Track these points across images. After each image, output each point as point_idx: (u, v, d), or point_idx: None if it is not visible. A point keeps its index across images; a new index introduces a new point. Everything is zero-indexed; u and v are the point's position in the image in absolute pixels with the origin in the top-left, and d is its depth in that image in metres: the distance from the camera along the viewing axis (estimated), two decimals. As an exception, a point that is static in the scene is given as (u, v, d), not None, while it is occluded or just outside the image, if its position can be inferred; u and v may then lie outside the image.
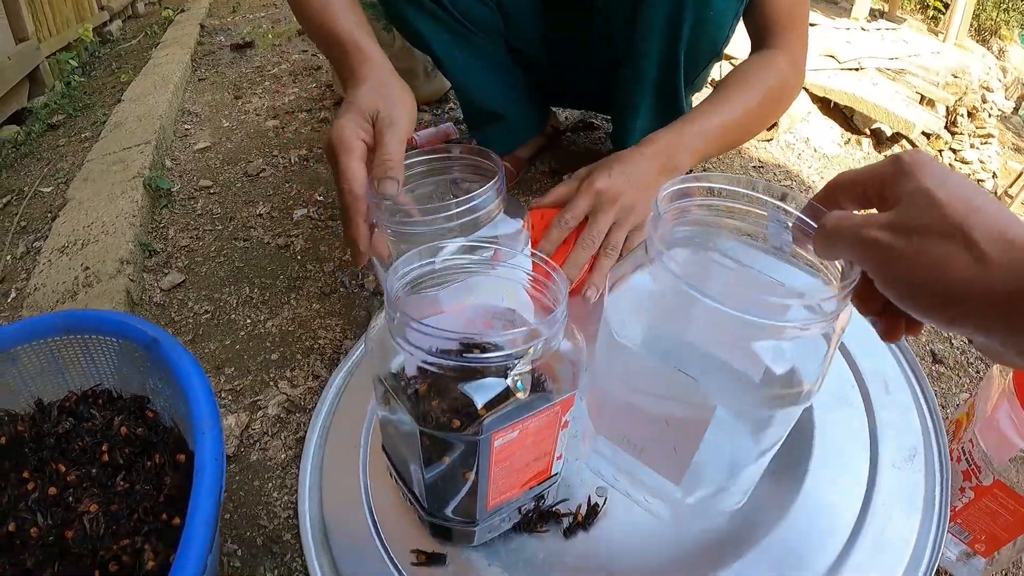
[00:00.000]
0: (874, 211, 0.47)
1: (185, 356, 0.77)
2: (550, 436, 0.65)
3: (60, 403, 0.87)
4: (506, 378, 0.57)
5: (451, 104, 1.94)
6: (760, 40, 1.14)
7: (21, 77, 2.45)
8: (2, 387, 0.87)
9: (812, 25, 2.15)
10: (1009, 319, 0.36)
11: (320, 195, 1.51)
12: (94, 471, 0.79)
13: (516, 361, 0.56)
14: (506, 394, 0.58)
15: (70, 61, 2.78)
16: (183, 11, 3.42)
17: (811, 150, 1.79)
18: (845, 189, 0.49)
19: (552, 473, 0.71)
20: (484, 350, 0.56)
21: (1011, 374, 0.69)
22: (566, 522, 0.73)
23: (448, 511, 0.68)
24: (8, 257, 1.53)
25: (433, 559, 0.71)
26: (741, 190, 0.58)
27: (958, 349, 1.14)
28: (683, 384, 0.56)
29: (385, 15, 1.27)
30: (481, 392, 0.57)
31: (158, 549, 0.72)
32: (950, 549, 0.75)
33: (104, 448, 0.81)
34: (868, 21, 2.78)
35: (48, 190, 1.78)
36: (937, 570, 0.72)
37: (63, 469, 0.79)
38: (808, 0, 1.15)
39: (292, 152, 1.71)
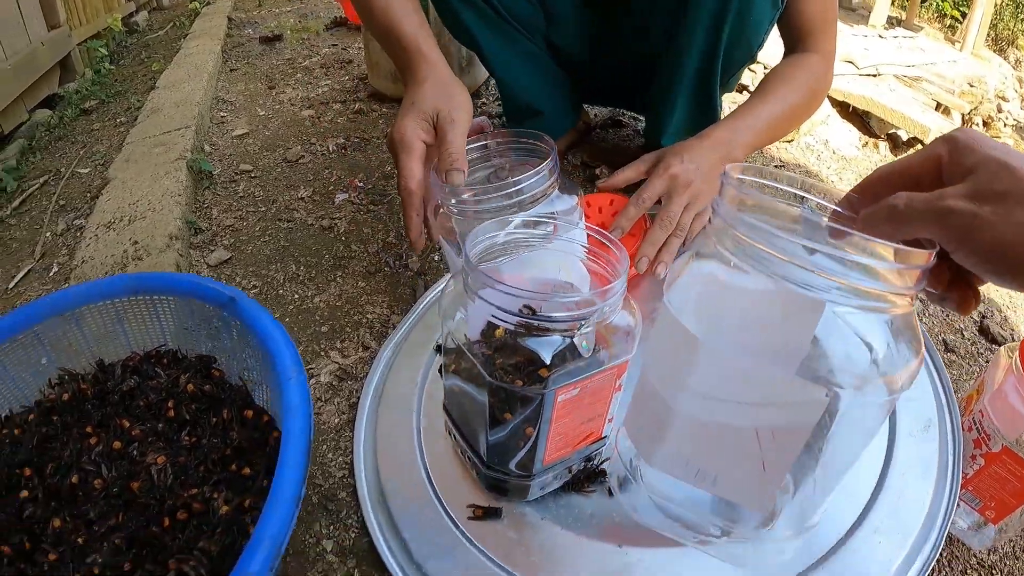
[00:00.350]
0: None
1: (263, 312, 0.81)
2: (605, 398, 0.69)
3: (123, 362, 0.90)
4: (572, 339, 0.63)
5: (483, 99, 1.98)
6: (794, 44, 1.21)
7: (53, 63, 2.48)
8: (65, 347, 0.91)
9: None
10: None
11: (360, 181, 1.54)
12: (160, 426, 0.82)
13: (582, 323, 0.60)
14: (571, 353, 0.63)
15: (100, 49, 2.82)
16: (209, 3, 3.46)
17: (830, 152, 1.82)
18: (888, 180, 0.50)
19: (603, 435, 0.75)
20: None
21: (1016, 353, 0.74)
22: (609, 482, 0.77)
23: (508, 465, 0.72)
24: (48, 234, 1.56)
25: (489, 513, 0.75)
26: (784, 187, 0.57)
27: (968, 340, 1.18)
28: (785, 381, 0.51)
29: (436, 10, 1.32)
30: (548, 349, 0.62)
31: (229, 497, 0.75)
32: (963, 519, 0.78)
33: (170, 404, 0.84)
34: (885, 29, 2.80)
35: (85, 171, 1.81)
36: (950, 539, 0.78)
37: (127, 425, 0.82)
38: (837, 7, 1.22)
39: (330, 140, 1.74)
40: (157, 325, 0.92)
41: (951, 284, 0.49)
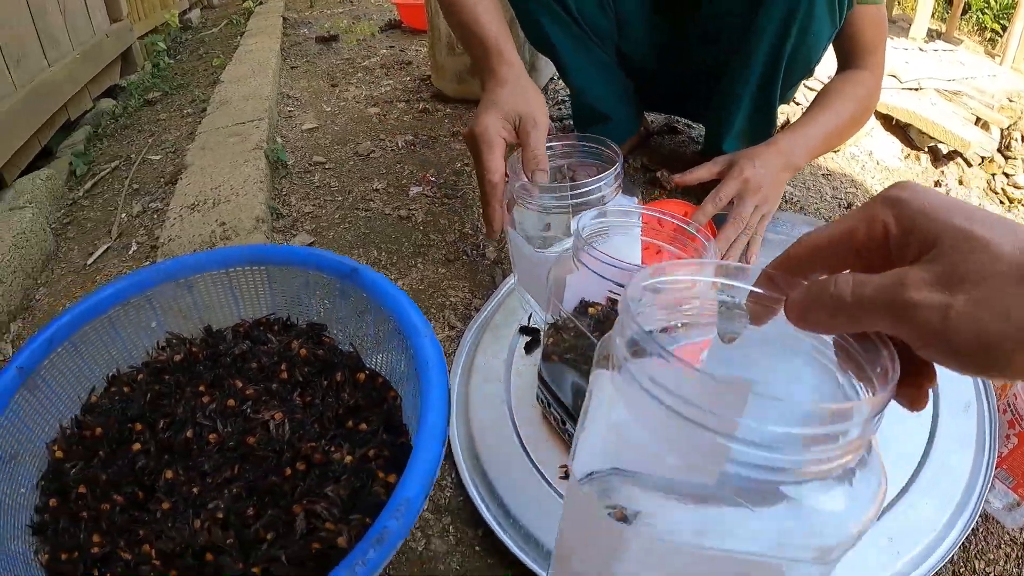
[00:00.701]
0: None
1: (386, 280, 0.84)
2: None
3: (233, 328, 0.94)
4: None
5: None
6: (847, 60, 1.29)
7: (116, 55, 2.53)
8: (175, 312, 0.94)
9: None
10: None
11: (432, 176, 1.58)
12: (273, 386, 0.85)
13: None
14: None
15: (159, 44, 2.88)
16: (262, 3, 3.53)
17: (874, 163, 1.85)
18: (820, 254, 0.40)
19: None
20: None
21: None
22: None
23: None
24: (123, 215, 1.60)
25: None
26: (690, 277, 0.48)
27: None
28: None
29: (518, 19, 1.38)
30: None
31: (351, 449, 0.77)
32: (998, 500, 0.83)
33: (282, 367, 0.87)
34: (925, 42, 2.81)
35: (157, 158, 1.86)
36: (986, 517, 0.83)
37: (239, 385, 0.85)
38: (886, 28, 1.29)
39: (398, 137, 1.78)
40: (268, 294, 0.95)
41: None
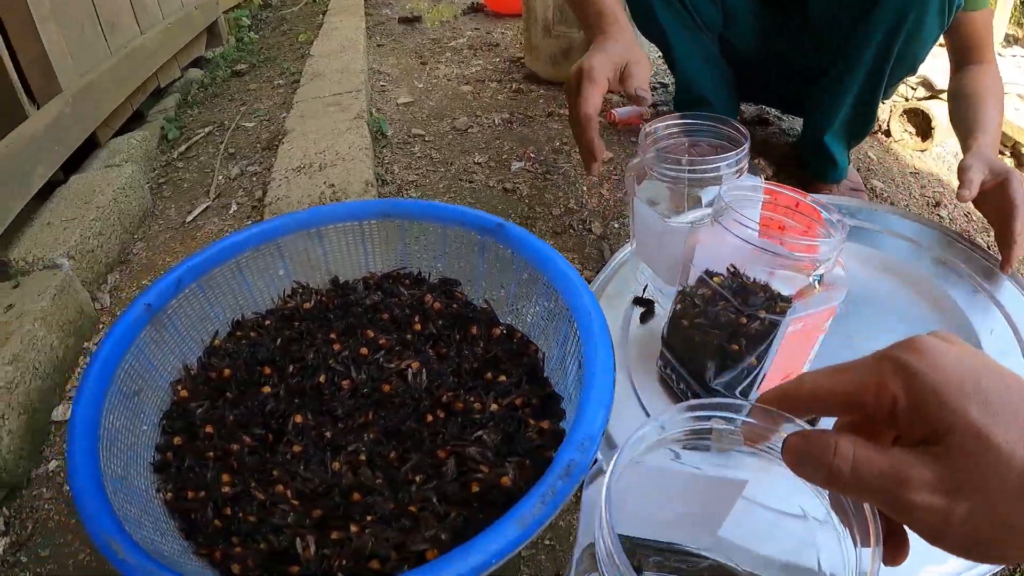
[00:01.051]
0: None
1: (531, 235, 0.82)
2: (812, 339, 0.75)
3: (364, 279, 0.92)
4: (809, 277, 0.69)
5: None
6: (962, 57, 1.27)
7: (204, 27, 2.56)
8: (303, 262, 0.92)
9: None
10: None
11: (533, 152, 1.56)
12: (408, 337, 0.83)
13: (818, 263, 0.68)
14: (805, 290, 0.69)
15: (244, 18, 2.90)
16: (339, -17, 3.54)
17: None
18: (821, 401, 0.37)
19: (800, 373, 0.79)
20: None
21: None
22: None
23: (725, 389, 0.77)
24: (220, 177, 1.61)
25: None
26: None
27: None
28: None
29: (630, 7, 1.38)
30: (787, 286, 0.69)
31: (495, 399, 0.75)
32: None
33: (416, 319, 0.85)
34: (1004, 47, 2.74)
35: (251, 124, 1.87)
36: None
37: (371, 335, 0.83)
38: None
39: (495, 114, 1.77)
40: (400, 249, 0.93)
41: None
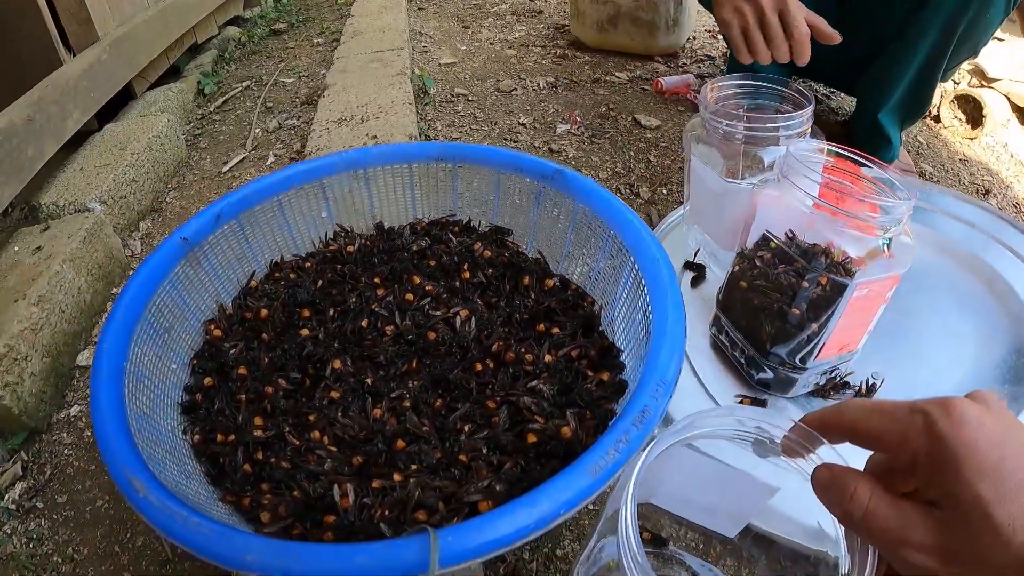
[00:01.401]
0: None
1: (592, 182, 0.77)
2: (873, 309, 0.72)
3: (411, 226, 0.87)
4: (878, 240, 0.67)
5: (683, 60, 1.93)
6: None
7: (243, -15, 2.52)
8: (348, 204, 0.88)
9: (999, 40, 2.08)
10: None
11: (579, 116, 1.51)
12: (456, 284, 0.78)
13: (887, 227, 0.66)
14: (873, 251, 0.67)
15: (282, -21, 2.86)
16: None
17: (1008, 155, 1.77)
18: (852, 435, 0.39)
19: (856, 347, 0.77)
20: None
21: None
22: (851, 392, 0.82)
23: (788, 357, 0.75)
24: (258, 130, 1.57)
25: (756, 403, 0.81)
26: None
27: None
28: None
29: None
30: (856, 245, 0.67)
31: (549, 349, 0.71)
32: None
33: (465, 267, 0.80)
34: None
35: (289, 80, 1.83)
36: None
37: (417, 281, 0.79)
38: None
39: (539, 78, 1.72)
40: (451, 195, 0.88)
41: None
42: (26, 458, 0.87)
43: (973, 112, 1.68)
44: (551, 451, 0.58)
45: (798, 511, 0.62)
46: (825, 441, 0.41)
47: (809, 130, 0.89)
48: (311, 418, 0.67)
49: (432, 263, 0.81)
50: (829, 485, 0.38)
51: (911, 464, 0.35)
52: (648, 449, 0.41)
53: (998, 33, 1.74)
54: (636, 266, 0.68)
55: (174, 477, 0.60)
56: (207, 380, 0.73)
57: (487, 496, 0.54)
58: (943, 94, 1.74)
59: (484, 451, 0.59)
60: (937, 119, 1.73)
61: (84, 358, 1.00)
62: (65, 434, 0.89)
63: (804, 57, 0.97)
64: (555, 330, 0.73)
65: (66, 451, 0.87)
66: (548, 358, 0.68)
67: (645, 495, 0.51)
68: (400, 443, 0.62)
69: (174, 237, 0.77)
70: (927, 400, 0.35)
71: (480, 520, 0.44)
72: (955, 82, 1.83)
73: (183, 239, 0.77)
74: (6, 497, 0.82)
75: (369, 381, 0.70)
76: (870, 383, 0.81)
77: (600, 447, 0.47)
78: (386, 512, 0.56)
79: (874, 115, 1.36)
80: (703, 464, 0.48)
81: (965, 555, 0.32)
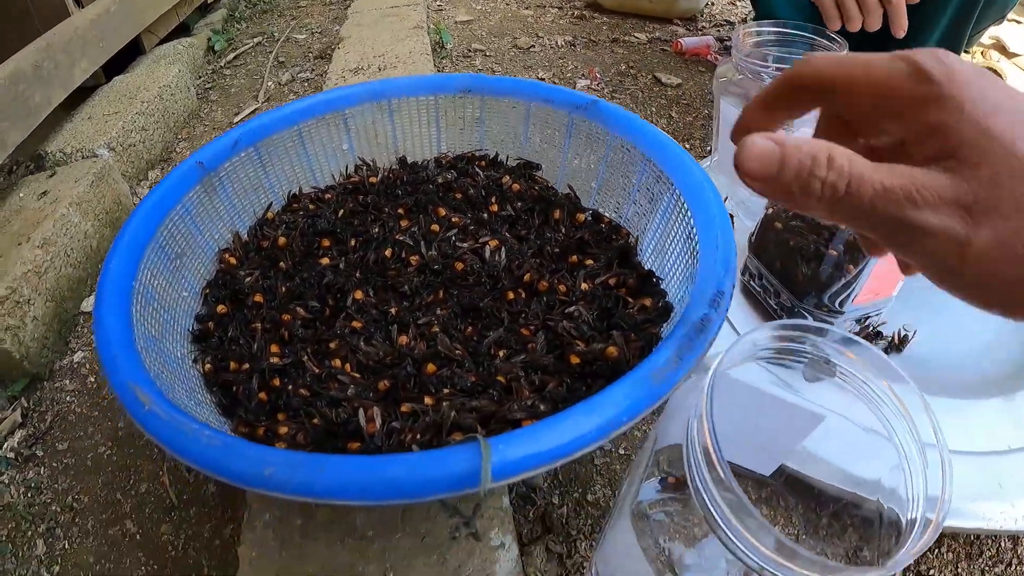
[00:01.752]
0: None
1: (626, 111, 0.74)
2: None
3: (436, 159, 0.83)
4: None
5: (702, 23, 1.89)
6: None
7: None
8: (370, 137, 0.84)
9: (1017, 22, 2.06)
10: None
11: (599, 72, 1.47)
12: (484, 216, 0.75)
13: None
14: None
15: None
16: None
17: None
18: (825, 85, 0.30)
19: (892, 294, 0.74)
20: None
21: None
22: (883, 344, 0.78)
23: (824, 300, 0.71)
24: (270, 83, 1.53)
25: None
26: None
27: None
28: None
29: None
30: None
31: (585, 278, 0.67)
32: None
33: (493, 200, 0.76)
34: None
35: (302, 36, 1.79)
36: None
37: (443, 212, 0.75)
38: None
39: (557, 36, 1.68)
40: (477, 129, 0.84)
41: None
42: (26, 405, 0.83)
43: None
44: (596, 371, 0.54)
45: (838, 451, 0.56)
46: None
47: None
48: (332, 345, 0.64)
49: (458, 196, 0.77)
50: (784, 160, 0.27)
51: (895, 116, 0.27)
52: (713, 370, 0.36)
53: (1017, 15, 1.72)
54: (678, 192, 0.64)
55: (183, 401, 0.56)
56: (220, 308, 0.70)
57: (532, 415, 0.50)
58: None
59: (524, 373, 0.56)
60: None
61: (88, 304, 0.96)
62: (68, 381, 0.86)
63: (901, 25, 0.91)
64: (589, 261, 0.69)
65: (68, 398, 0.84)
66: (584, 286, 0.65)
67: (673, 435, 0.45)
68: (430, 367, 0.58)
69: (190, 160, 0.73)
70: (904, 51, 0.28)
71: (535, 427, 0.40)
72: (981, 52, 1.80)
73: (199, 163, 0.74)
74: (4, 446, 0.79)
75: (393, 311, 0.66)
76: (902, 334, 0.79)
77: (662, 350, 0.43)
78: (418, 436, 0.52)
79: None
80: (746, 392, 0.44)
81: (996, 205, 0.24)
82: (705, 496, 0.32)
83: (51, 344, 0.90)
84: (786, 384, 0.49)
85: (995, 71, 1.62)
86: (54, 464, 0.77)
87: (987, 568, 0.65)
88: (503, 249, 0.69)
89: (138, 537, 0.70)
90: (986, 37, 1.61)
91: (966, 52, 1.43)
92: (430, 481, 0.39)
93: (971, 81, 0.25)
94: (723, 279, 0.50)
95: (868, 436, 0.44)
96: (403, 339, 0.62)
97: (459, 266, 0.68)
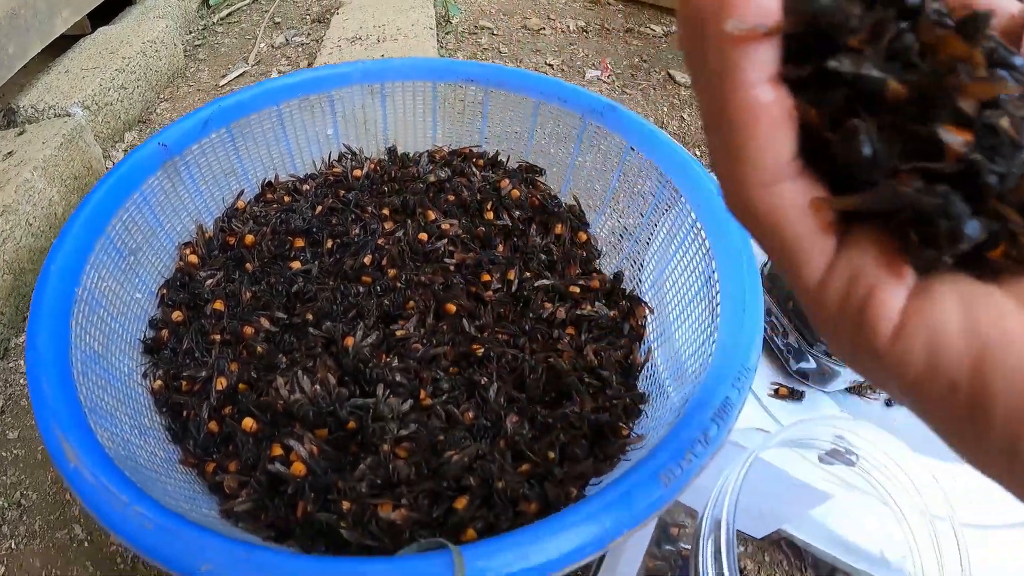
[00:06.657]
0: None
1: (650, 123, 0.66)
2: None
3: (429, 153, 0.75)
4: None
5: None
6: None
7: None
8: (359, 123, 0.76)
9: None
10: None
11: (610, 63, 1.39)
12: (478, 224, 0.67)
13: None
14: None
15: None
16: None
17: None
18: None
19: None
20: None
21: None
22: (884, 395, 0.75)
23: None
24: (263, 45, 1.45)
25: (793, 394, 0.75)
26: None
27: None
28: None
29: None
30: None
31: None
32: None
33: (489, 206, 0.68)
34: None
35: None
36: None
37: (433, 216, 0.67)
38: None
39: (570, 20, 1.60)
40: (478, 122, 0.76)
41: None
42: (-23, 386, 0.76)
43: None
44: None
45: (836, 522, 0.57)
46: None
47: None
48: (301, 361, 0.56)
49: (451, 198, 0.69)
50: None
51: None
52: (746, 463, 0.29)
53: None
54: (699, 227, 0.56)
55: (123, 434, 0.49)
56: (176, 314, 0.62)
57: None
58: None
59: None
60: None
61: (50, 276, 0.89)
62: (23, 361, 0.79)
63: None
64: (595, 284, 0.62)
65: (22, 380, 0.78)
66: (595, 282, 0.60)
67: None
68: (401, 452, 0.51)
69: (151, 142, 0.65)
70: None
71: (518, 535, 0.33)
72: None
73: (161, 144, 0.65)
74: (-50, 430, 0.72)
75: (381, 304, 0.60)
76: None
77: (674, 446, 0.36)
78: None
79: None
80: (761, 466, 0.44)
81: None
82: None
83: (7, 320, 0.83)
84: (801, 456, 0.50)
85: None
86: (3, 453, 0.71)
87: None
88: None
89: (86, 544, 0.65)
90: None
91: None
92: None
93: None
94: (749, 352, 0.42)
95: (876, 511, 0.47)
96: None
97: (451, 308, 0.61)
